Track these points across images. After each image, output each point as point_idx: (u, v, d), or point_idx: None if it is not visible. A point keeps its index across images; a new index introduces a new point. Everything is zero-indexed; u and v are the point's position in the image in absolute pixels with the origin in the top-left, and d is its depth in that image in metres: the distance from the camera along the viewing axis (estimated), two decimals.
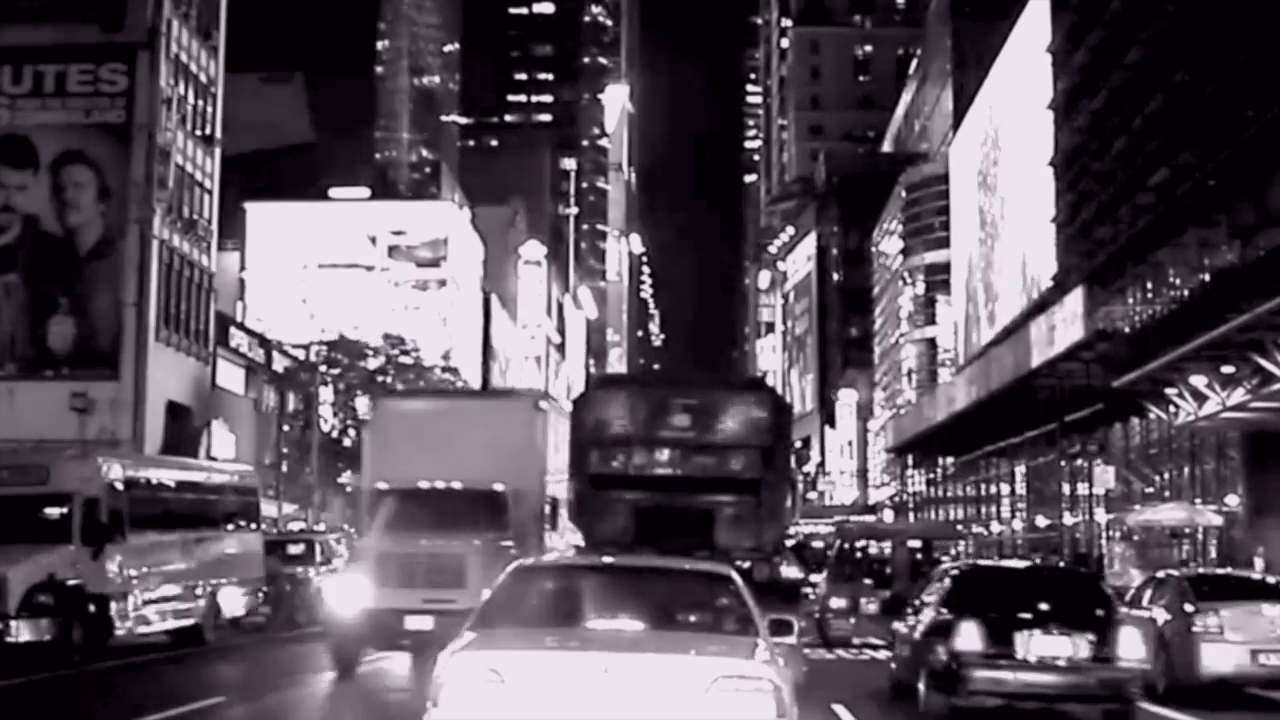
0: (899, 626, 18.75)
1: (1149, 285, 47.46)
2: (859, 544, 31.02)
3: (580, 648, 9.06)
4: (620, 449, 21.66)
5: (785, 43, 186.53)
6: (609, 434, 21.78)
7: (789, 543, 31.04)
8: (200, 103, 56.21)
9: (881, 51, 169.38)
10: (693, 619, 10.16)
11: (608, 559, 12.85)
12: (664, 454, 21.54)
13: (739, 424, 21.58)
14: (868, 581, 28.20)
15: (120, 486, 23.68)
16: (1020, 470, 63.12)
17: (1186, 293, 39.24)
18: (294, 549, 35.75)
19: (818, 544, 43.83)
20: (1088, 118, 53.36)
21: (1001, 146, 74.27)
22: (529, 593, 10.46)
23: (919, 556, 30.08)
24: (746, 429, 21.59)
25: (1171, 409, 40.18)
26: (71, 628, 21.76)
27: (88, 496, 22.80)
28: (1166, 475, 46.77)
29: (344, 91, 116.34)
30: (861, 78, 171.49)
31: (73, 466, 23.63)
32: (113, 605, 22.76)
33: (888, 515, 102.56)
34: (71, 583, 21.93)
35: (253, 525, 30.43)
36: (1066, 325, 43.98)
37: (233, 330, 60.47)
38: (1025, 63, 67.18)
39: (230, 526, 28.90)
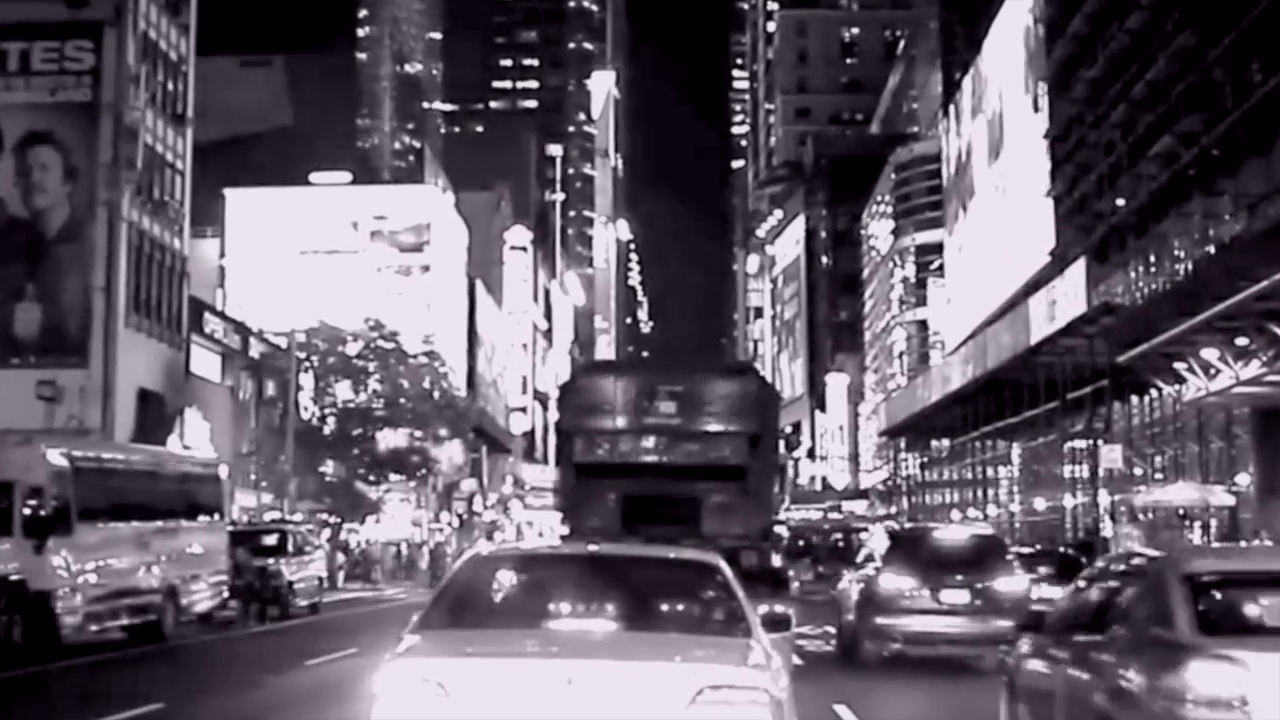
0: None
1: (1152, 258, 45.94)
2: (805, 533, 45.77)
3: (540, 654, 7.83)
4: (606, 437, 21.43)
5: (772, 26, 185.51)
6: (594, 422, 21.47)
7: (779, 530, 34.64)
8: (170, 82, 54.39)
9: (869, 33, 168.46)
10: (675, 617, 8.92)
11: (580, 547, 11.58)
12: (650, 441, 21.32)
13: (726, 410, 21.36)
14: (807, 559, 41.69)
15: (67, 474, 22.10)
16: (1018, 451, 61.60)
17: (1198, 261, 37.68)
18: (266, 540, 34.33)
19: (784, 531, 48.71)
20: (1085, 87, 51.85)
21: (994, 122, 72.86)
22: (485, 587, 9.11)
23: (841, 544, 43.62)
24: (733, 415, 21.35)
25: (1180, 385, 38.68)
26: (12, 626, 20.24)
27: (30, 485, 21.28)
28: (1170, 454, 45.23)
29: (325, 75, 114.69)
30: (849, 60, 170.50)
31: (14, 454, 21.98)
32: (57, 602, 21.20)
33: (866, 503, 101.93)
34: (12, 578, 20.41)
35: (216, 515, 28.88)
36: (1068, 299, 42.43)
37: (207, 316, 58.60)
38: (1017, 35, 65.82)
39: (192, 516, 27.32)
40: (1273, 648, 7.88)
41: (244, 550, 31.42)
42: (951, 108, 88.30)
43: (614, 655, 7.78)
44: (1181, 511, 36.45)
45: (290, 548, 33.98)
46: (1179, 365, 36.83)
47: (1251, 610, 8.57)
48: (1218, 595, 8.63)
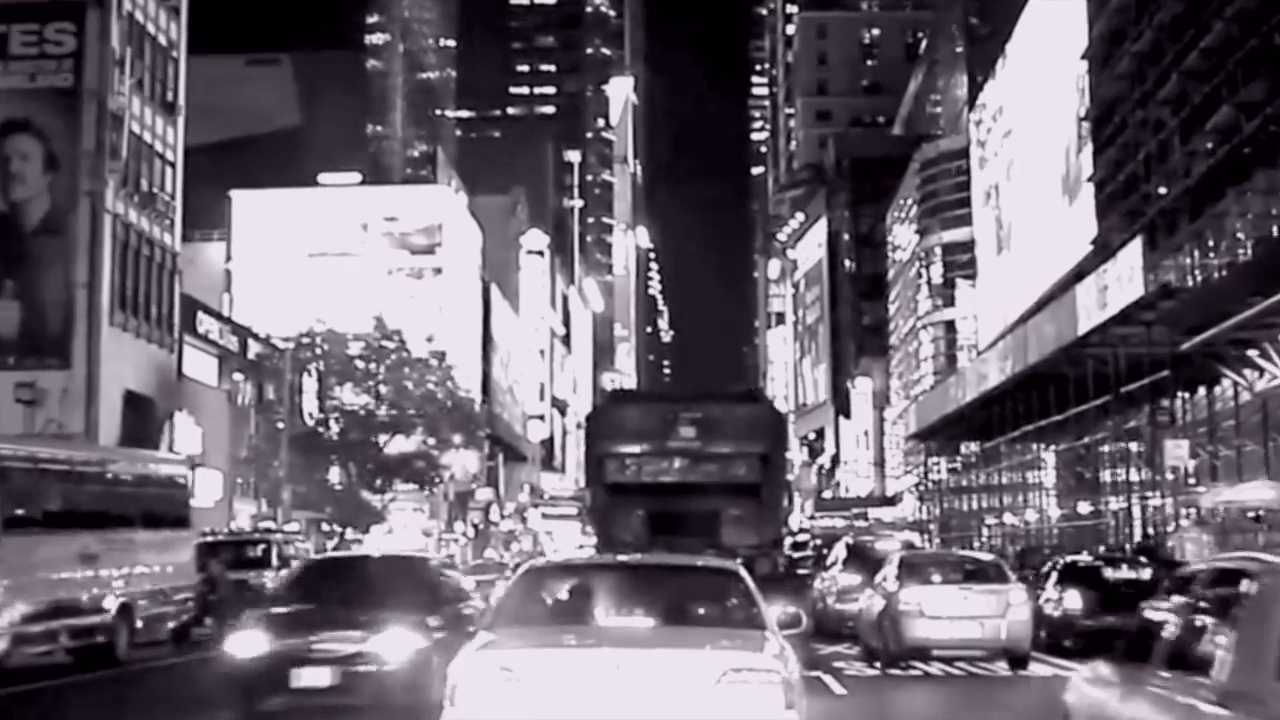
0: None
1: (1209, 239, 42.62)
2: (830, 543, 43.20)
3: (592, 645, 9.17)
4: (633, 459, 24.04)
5: (791, 29, 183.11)
6: (623, 446, 24.13)
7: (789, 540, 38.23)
8: (159, 67, 51.62)
9: (889, 35, 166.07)
10: (702, 615, 10.21)
11: (619, 557, 13.51)
12: (673, 463, 23.89)
13: (739, 433, 24.06)
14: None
15: None
16: (1060, 451, 58.06)
17: (1272, 236, 34.33)
18: (247, 551, 31.44)
19: (813, 539, 52.13)
20: (1131, 62, 48.65)
21: (1026, 111, 69.80)
22: (541, 592, 10.50)
23: None
24: (746, 437, 24.08)
25: (1253, 373, 35.29)
26: None
27: None
28: (1233, 450, 41.73)
29: (334, 75, 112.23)
30: (869, 62, 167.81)
31: None
32: None
33: (907, 505, 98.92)
34: None
35: (181, 524, 25.78)
36: (1121, 284, 38.84)
37: (201, 316, 55.72)
38: (1051, 19, 62.81)
39: (152, 525, 24.20)
40: (929, 583, 20.81)
41: (219, 563, 28.56)
42: (979, 99, 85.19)
43: (654, 645, 9.14)
44: (1254, 514, 33.03)
45: (274, 559, 30.96)
46: (1251, 352, 33.48)
47: (928, 571, 21.46)
48: (909, 565, 21.57)
